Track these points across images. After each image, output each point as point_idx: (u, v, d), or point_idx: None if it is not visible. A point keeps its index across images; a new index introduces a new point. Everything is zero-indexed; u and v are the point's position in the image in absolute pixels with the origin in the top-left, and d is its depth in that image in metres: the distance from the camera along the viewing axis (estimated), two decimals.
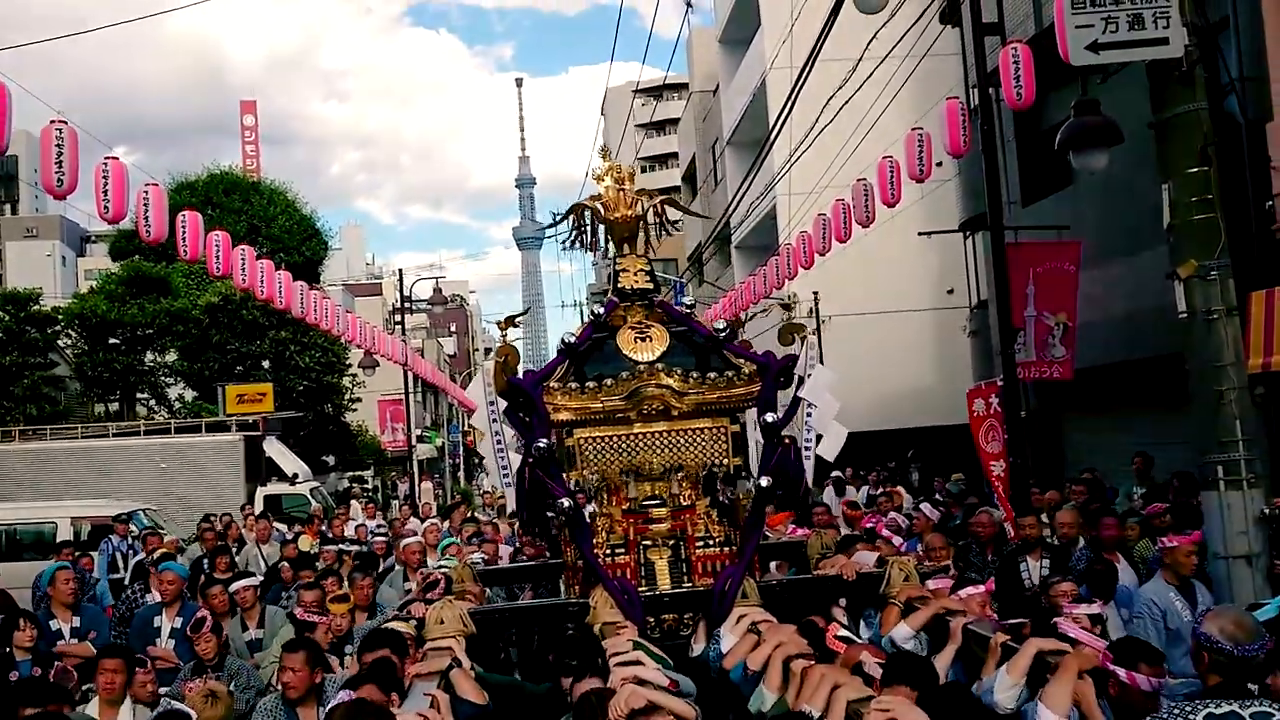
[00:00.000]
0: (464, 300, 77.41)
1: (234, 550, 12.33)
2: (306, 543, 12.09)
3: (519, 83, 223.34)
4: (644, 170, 62.83)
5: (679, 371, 5.44)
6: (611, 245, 6.08)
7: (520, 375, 5.59)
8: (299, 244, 33.55)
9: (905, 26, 12.48)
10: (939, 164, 10.69)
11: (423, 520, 13.78)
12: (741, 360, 5.63)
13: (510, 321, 6.16)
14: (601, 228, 6.06)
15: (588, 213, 6.07)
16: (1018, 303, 10.53)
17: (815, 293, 23.64)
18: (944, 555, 7.21)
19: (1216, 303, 6.46)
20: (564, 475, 5.43)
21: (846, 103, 14.40)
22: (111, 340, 27.94)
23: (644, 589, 5.33)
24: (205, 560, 10.86)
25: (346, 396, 31.99)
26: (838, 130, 15.24)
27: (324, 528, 14.55)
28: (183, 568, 8.82)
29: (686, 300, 6.39)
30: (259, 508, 18.48)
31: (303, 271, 27.93)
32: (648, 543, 5.48)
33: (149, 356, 29.03)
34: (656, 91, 61.83)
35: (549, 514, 5.54)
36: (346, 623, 6.73)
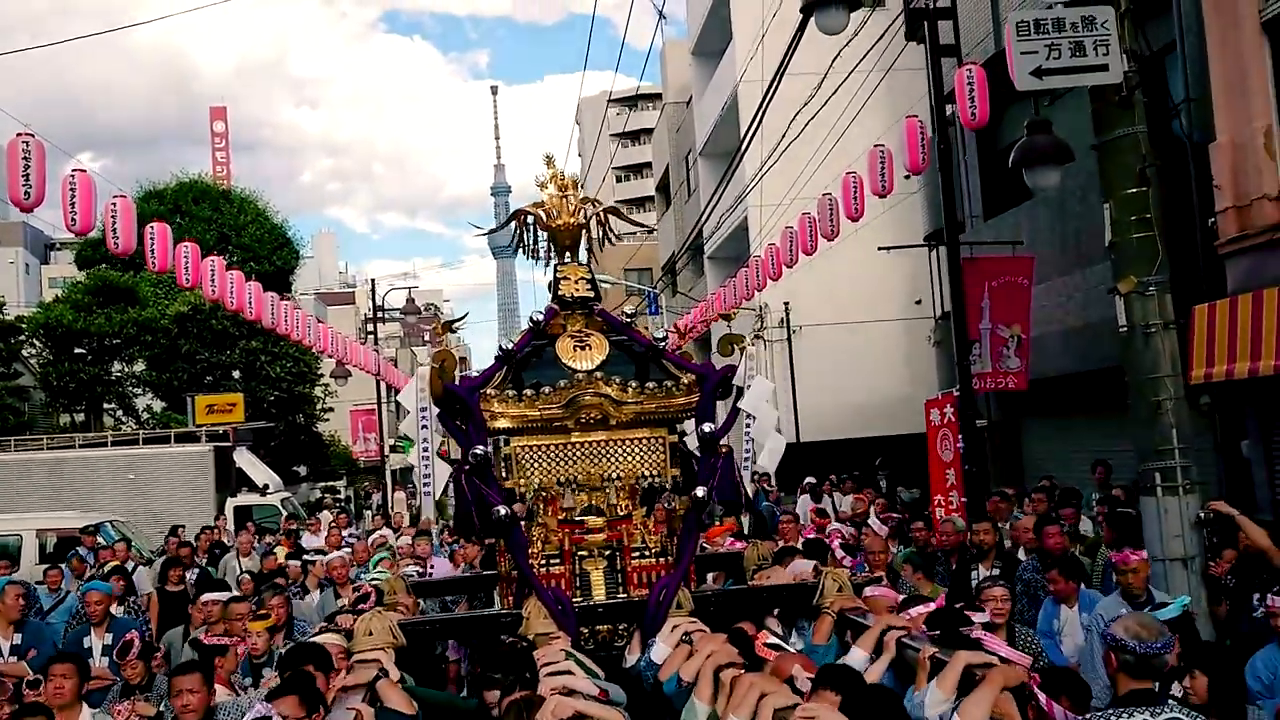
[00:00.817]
0: (438, 309, 77.27)
1: (202, 562, 12.41)
2: (283, 554, 12.14)
3: (494, 90, 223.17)
4: (619, 179, 63.00)
5: (618, 381, 5.40)
6: (554, 252, 6.04)
7: (457, 381, 5.53)
8: (270, 253, 33.48)
9: (873, 40, 12.70)
10: (906, 176, 10.89)
11: (396, 530, 13.82)
12: (680, 370, 5.62)
13: (447, 326, 6.14)
14: (544, 235, 6.01)
15: (530, 219, 6.03)
16: (973, 315, 10.78)
17: (786, 303, 23.90)
18: (882, 560, 7.34)
19: (1154, 317, 6.68)
20: (501, 483, 5.38)
21: (814, 116, 14.67)
22: (77, 350, 27.84)
23: (579, 599, 5.29)
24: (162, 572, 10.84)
25: (318, 406, 31.97)
26: (809, 141, 15.49)
27: (299, 539, 14.61)
28: (108, 586, 8.59)
29: (627, 312, 6.39)
30: (230, 519, 18.48)
31: (274, 281, 27.96)
32: (583, 553, 5.42)
33: (116, 367, 28.94)
34: (631, 101, 62.13)
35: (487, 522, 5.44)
36: (264, 642, 6.51)
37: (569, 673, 4.29)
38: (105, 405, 29.31)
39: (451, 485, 5.52)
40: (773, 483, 17.11)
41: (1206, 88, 10.14)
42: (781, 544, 7.68)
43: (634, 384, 5.41)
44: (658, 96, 45.57)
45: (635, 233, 58.24)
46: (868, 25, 12.69)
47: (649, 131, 50.53)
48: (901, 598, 5.39)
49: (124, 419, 29.26)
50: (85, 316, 27.40)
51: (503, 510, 5.12)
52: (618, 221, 6.25)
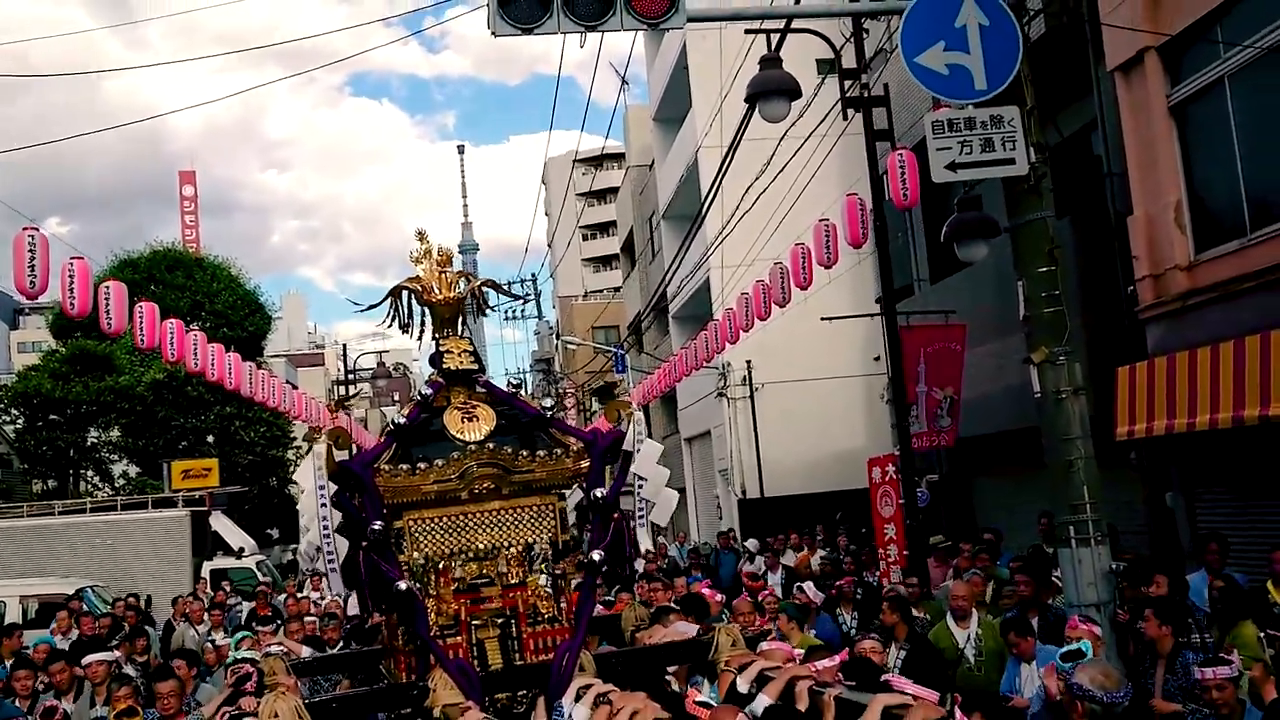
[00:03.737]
0: (407, 370, 77.57)
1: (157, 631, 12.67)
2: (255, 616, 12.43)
3: (460, 150, 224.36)
4: (585, 238, 63.79)
5: (508, 450, 5.42)
6: (429, 328, 6.03)
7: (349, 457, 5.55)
8: (242, 319, 33.99)
9: (828, 107, 13.39)
10: (864, 241, 11.55)
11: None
12: (569, 438, 5.69)
13: (340, 404, 6.23)
14: (422, 309, 6.01)
15: (406, 294, 6.01)
16: (910, 379, 11.51)
17: (748, 361, 24.52)
18: (751, 620, 7.72)
19: (1065, 383, 7.39)
20: (398, 558, 5.36)
21: (773, 181, 15.43)
22: (53, 417, 28.16)
23: (477, 668, 5.30)
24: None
25: (291, 469, 32.33)
26: (769, 203, 16.18)
27: (275, 600, 14.95)
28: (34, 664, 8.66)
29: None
30: (207, 582, 18.80)
31: (246, 345, 28.46)
32: (478, 622, 5.43)
33: (92, 433, 29.24)
34: (596, 161, 63.11)
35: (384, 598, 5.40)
36: None
37: None
38: (82, 471, 29.55)
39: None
40: (737, 538, 17.60)
41: (1126, 163, 11.00)
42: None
43: (524, 453, 5.46)
44: (622, 156, 46.33)
45: (603, 290, 59.03)
46: (821, 95, 13.51)
47: (615, 190, 51.21)
48: (800, 651, 5.62)
49: (100, 485, 29.51)
50: (63, 384, 27.79)
51: (403, 585, 5.14)
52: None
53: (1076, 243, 11.79)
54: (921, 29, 7.26)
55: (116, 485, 29.00)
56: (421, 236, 6.07)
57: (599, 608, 8.23)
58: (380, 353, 36.03)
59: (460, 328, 5.99)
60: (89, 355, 28.97)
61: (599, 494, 5.44)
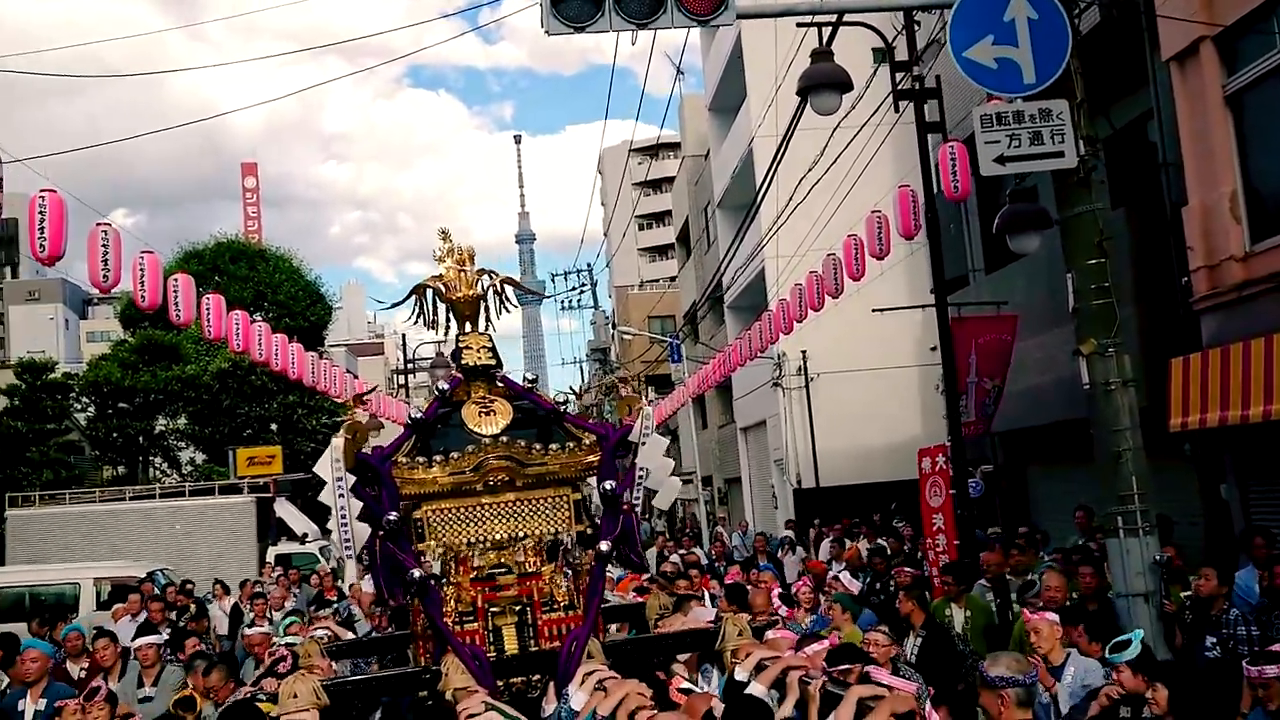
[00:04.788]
0: None
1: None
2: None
3: (517, 139, 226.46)
4: (641, 228, 63.97)
5: (522, 444, 5.55)
6: (454, 323, 6.17)
7: (369, 451, 5.68)
8: (304, 309, 34.60)
9: (884, 94, 13.35)
10: (915, 233, 11.57)
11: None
12: (582, 431, 5.81)
13: (359, 400, 6.28)
14: (444, 306, 6.16)
15: (430, 292, 6.16)
16: (962, 370, 11.52)
17: (803, 351, 24.55)
18: (766, 618, 7.73)
19: (1114, 375, 7.41)
20: (414, 547, 5.52)
21: (827, 171, 15.46)
22: (122, 405, 28.96)
23: (492, 654, 5.45)
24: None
25: None
26: (824, 191, 16.21)
27: (339, 583, 15.27)
28: (48, 645, 8.59)
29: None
30: (272, 566, 19.28)
31: (308, 336, 29.01)
32: (495, 609, 5.57)
33: (160, 421, 30.01)
34: (652, 151, 63.18)
35: (400, 585, 5.58)
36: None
37: None
38: (151, 458, 30.37)
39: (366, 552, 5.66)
40: (770, 540, 17.74)
41: (1182, 154, 10.92)
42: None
43: (538, 446, 5.60)
44: (678, 145, 46.39)
45: (658, 280, 59.14)
46: (876, 83, 13.50)
47: (671, 180, 51.26)
48: (798, 637, 5.71)
49: (168, 471, 30.31)
50: (132, 374, 28.57)
51: (416, 573, 5.29)
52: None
53: (1131, 233, 11.72)
54: (970, 23, 7.30)
55: (184, 472, 29.77)
56: (445, 236, 6.22)
57: (633, 595, 8.47)
58: (439, 342, 36.36)
59: (484, 324, 6.14)
60: (157, 345, 29.71)
61: (609, 486, 5.57)
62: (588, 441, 5.71)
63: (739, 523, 25.87)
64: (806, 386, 24.73)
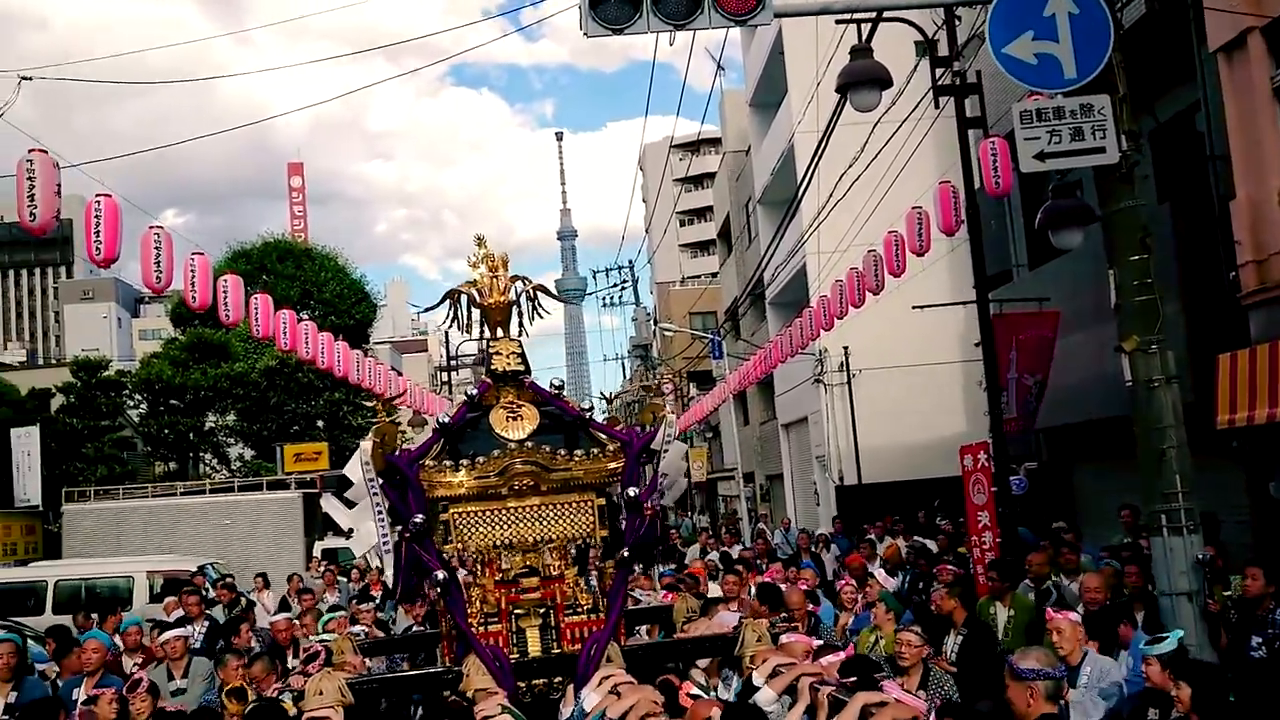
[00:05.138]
0: None
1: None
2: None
3: (559, 136, 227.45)
4: (683, 224, 63.89)
5: (548, 449, 5.63)
6: (486, 328, 6.29)
7: (397, 454, 5.79)
8: (349, 307, 35.03)
9: (925, 88, 13.27)
10: (957, 229, 11.48)
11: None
12: (606, 438, 5.90)
13: (388, 403, 6.45)
14: (476, 312, 6.26)
15: (464, 298, 6.28)
16: (1002, 366, 11.44)
17: (845, 347, 24.42)
18: (802, 614, 7.81)
19: (1157, 372, 7.33)
20: (440, 549, 5.62)
21: (868, 166, 15.38)
22: (173, 402, 29.50)
23: (515, 655, 5.56)
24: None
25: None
26: (866, 185, 16.13)
27: (384, 578, 15.41)
28: (106, 637, 8.72)
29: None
30: (319, 561, 19.53)
31: (353, 333, 29.34)
32: (520, 611, 5.65)
33: (210, 418, 30.52)
34: (693, 146, 63.09)
35: (426, 586, 5.71)
36: None
37: None
38: (201, 455, 30.89)
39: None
40: (813, 537, 17.67)
41: (1229, 147, 10.78)
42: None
43: (563, 451, 5.68)
44: (719, 141, 46.26)
45: (700, 276, 59.08)
46: (918, 76, 13.41)
47: (712, 176, 51.15)
48: (817, 644, 5.76)
49: (217, 467, 30.82)
50: (182, 371, 29.10)
51: (440, 574, 5.39)
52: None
53: (1177, 228, 11.59)
54: (1009, 19, 7.25)
55: (233, 468, 30.27)
56: (480, 241, 6.33)
57: (663, 595, 8.52)
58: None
59: (517, 329, 6.26)
60: (207, 343, 30.23)
61: (633, 492, 5.68)
62: (611, 448, 5.79)
63: (782, 519, 25.81)
64: (848, 382, 24.58)
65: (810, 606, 8.45)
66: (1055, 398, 13.88)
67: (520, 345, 6.17)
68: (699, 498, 44.05)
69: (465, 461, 5.62)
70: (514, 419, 5.81)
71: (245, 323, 11.40)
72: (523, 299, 6.32)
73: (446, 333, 35.05)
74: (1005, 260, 16.64)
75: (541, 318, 6.40)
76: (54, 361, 56.24)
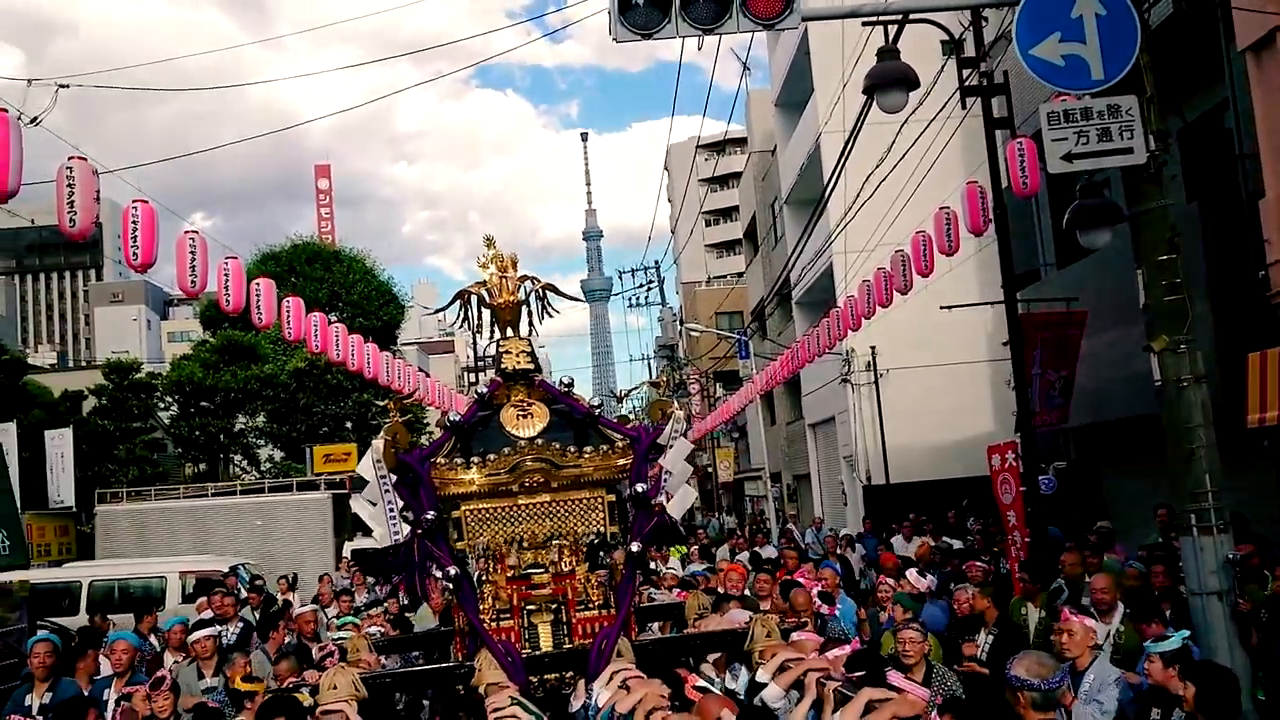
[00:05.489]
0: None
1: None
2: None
3: (584, 137, 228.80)
4: (708, 224, 63.92)
5: (557, 446, 5.69)
6: (496, 328, 6.39)
7: (410, 452, 5.85)
8: (377, 309, 35.27)
9: (952, 89, 13.24)
10: (984, 229, 11.44)
11: None
12: (615, 435, 5.95)
13: (399, 404, 6.57)
14: (486, 312, 6.33)
15: (473, 298, 6.35)
16: (1028, 365, 11.42)
17: (872, 347, 24.37)
18: (808, 615, 7.84)
19: (1186, 372, 7.33)
20: (451, 545, 5.68)
21: (895, 166, 15.37)
22: (204, 404, 29.80)
23: (527, 650, 5.60)
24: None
25: None
26: (893, 185, 16.12)
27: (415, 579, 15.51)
28: (135, 637, 8.79)
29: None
30: (348, 561, 19.67)
31: (381, 335, 29.56)
32: (531, 607, 5.70)
33: (240, 419, 30.80)
34: (719, 146, 63.05)
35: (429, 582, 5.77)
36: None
37: (513, 717, 4.66)
38: (231, 456, 31.17)
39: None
40: (838, 537, 17.66)
41: (1258, 145, 10.73)
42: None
43: (573, 449, 5.74)
44: (744, 141, 46.23)
45: (726, 276, 59.08)
46: (944, 77, 13.38)
47: (737, 175, 51.12)
48: (823, 641, 5.79)
49: (247, 468, 31.09)
50: (212, 373, 29.38)
51: (452, 570, 5.46)
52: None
53: (1206, 227, 11.54)
54: (1036, 21, 7.26)
55: (263, 469, 30.54)
56: (489, 242, 6.41)
57: (677, 593, 8.57)
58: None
59: (528, 329, 6.34)
60: (236, 345, 30.51)
61: (641, 488, 5.73)
62: (620, 445, 5.86)
63: (813, 519, 25.79)
64: (876, 382, 24.53)
65: (825, 608, 8.48)
66: (1084, 397, 13.83)
67: (530, 345, 6.26)
68: (725, 498, 44.06)
69: (476, 459, 5.71)
70: (524, 417, 5.90)
71: (277, 325, 11.55)
72: (532, 298, 6.40)
73: (473, 333, 35.18)
74: (1034, 259, 16.60)
75: (551, 317, 6.48)
76: (85, 364, 56.89)
